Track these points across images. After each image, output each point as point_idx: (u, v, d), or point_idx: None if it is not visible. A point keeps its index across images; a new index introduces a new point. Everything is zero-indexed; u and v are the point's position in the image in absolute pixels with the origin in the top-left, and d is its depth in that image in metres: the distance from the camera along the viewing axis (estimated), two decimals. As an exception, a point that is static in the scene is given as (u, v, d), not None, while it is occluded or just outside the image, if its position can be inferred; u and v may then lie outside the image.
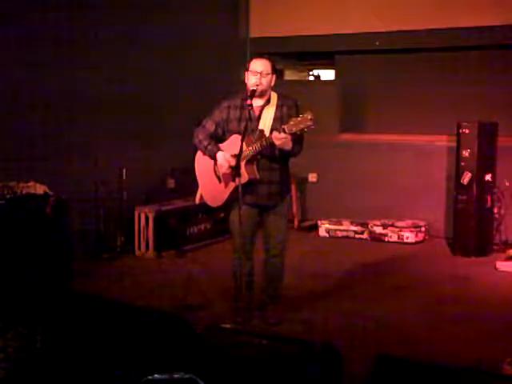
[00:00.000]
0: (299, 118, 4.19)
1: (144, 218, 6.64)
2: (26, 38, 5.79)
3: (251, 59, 4.56)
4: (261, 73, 4.40)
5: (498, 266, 6.21)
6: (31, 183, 5.31)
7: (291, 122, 4.20)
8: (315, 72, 9.48)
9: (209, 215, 7.17)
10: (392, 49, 7.71)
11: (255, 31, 8.40)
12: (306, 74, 9.51)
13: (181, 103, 7.33)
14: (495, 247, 6.84)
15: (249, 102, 4.41)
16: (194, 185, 6.68)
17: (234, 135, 4.44)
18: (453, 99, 7.33)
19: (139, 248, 6.67)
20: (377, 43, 7.67)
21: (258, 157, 4.42)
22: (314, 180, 8.29)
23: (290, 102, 4.54)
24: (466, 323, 4.74)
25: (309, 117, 4.14)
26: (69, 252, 5.44)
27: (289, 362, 2.38)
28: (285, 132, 4.20)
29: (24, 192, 5.22)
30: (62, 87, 6.03)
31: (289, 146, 4.30)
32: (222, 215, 7.23)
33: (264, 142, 4.31)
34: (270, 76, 4.44)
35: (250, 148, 4.34)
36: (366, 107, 8.05)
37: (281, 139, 4.22)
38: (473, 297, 5.40)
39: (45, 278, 4.98)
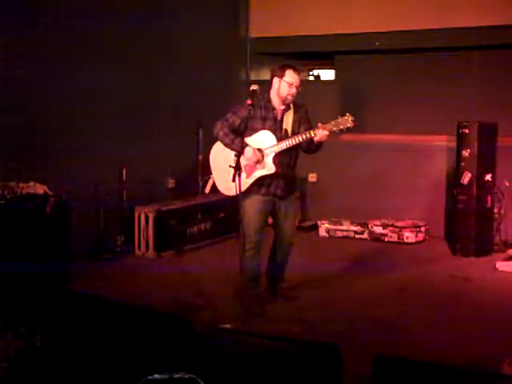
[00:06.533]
0: (339, 120, 4.71)
1: (144, 217, 6.63)
2: (29, 39, 5.79)
3: (286, 68, 4.88)
4: (296, 86, 4.84)
5: (497, 266, 6.20)
6: (31, 183, 5.31)
7: (332, 122, 4.71)
8: (315, 72, 9.47)
9: (209, 215, 7.17)
10: (392, 49, 7.70)
11: (255, 31, 8.40)
12: (306, 73, 9.50)
13: (181, 103, 7.32)
14: (495, 247, 6.83)
15: (250, 101, 4.54)
16: (194, 184, 6.70)
17: (262, 131, 4.81)
18: (453, 99, 7.32)
19: (139, 248, 6.67)
20: (377, 43, 7.67)
21: (281, 153, 4.80)
22: (314, 180, 8.29)
23: (302, 107, 5.01)
24: (465, 323, 4.74)
25: (349, 118, 4.69)
26: (69, 252, 5.44)
27: (289, 362, 2.38)
28: (325, 130, 4.69)
29: (24, 192, 5.21)
30: (61, 87, 6.03)
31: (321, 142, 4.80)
32: (222, 215, 7.24)
33: (303, 137, 4.74)
34: (299, 89, 4.88)
35: (285, 143, 4.78)
36: (366, 107, 8.03)
37: (322, 136, 4.70)
38: (473, 297, 5.40)
39: (44, 278, 4.98)
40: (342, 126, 4.70)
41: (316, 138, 4.71)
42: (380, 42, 7.64)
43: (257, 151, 4.77)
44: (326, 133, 4.69)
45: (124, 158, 6.55)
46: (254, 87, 4.66)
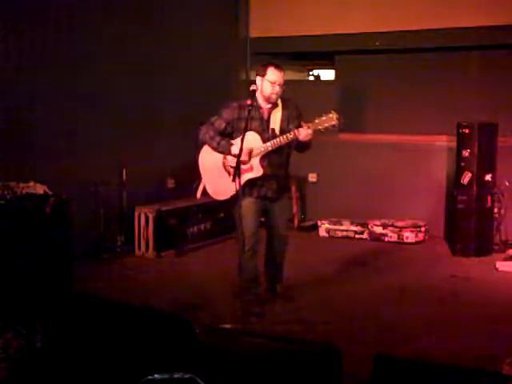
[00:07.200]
0: (324, 118, 4.59)
1: (144, 218, 6.64)
2: (30, 40, 5.79)
3: (268, 66, 4.78)
4: (279, 84, 4.73)
5: (497, 266, 6.20)
6: (31, 183, 5.30)
7: (316, 121, 4.60)
8: (315, 72, 9.47)
9: (209, 215, 7.17)
10: (392, 49, 7.70)
11: (255, 31, 8.40)
12: (305, 73, 9.50)
13: (181, 103, 7.32)
14: (495, 247, 6.83)
15: (249, 102, 4.53)
16: (194, 184, 6.64)
17: (247, 132, 4.62)
18: (453, 99, 7.32)
19: (139, 248, 6.67)
20: (377, 43, 7.67)
21: (270, 153, 4.71)
22: (314, 180, 8.29)
23: (292, 103, 4.91)
24: (465, 323, 4.74)
25: (334, 116, 4.56)
26: (69, 252, 5.43)
27: (289, 361, 2.38)
28: (309, 129, 4.58)
29: (24, 192, 5.21)
30: (61, 87, 6.03)
31: (308, 141, 4.70)
32: (222, 215, 7.24)
33: (286, 138, 4.64)
34: (283, 86, 4.76)
35: (269, 144, 4.68)
36: (366, 107, 8.04)
37: (307, 135, 4.60)
38: (473, 297, 5.40)
39: (45, 278, 4.98)
40: (326, 124, 4.59)
41: (300, 137, 4.61)
42: (380, 42, 7.64)
43: (245, 151, 4.60)
44: (310, 132, 4.58)
45: (124, 158, 6.54)
46: (253, 87, 4.64)
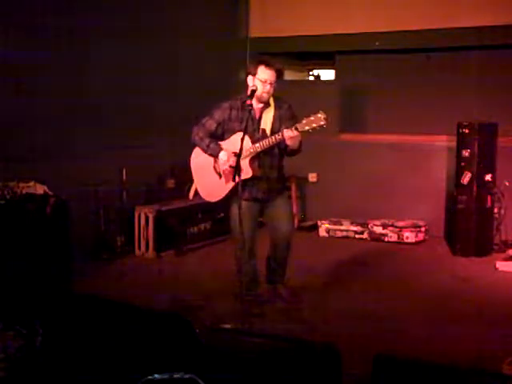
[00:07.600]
0: (312, 118, 4.41)
1: (144, 218, 6.63)
2: (28, 38, 5.79)
3: (258, 64, 4.68)
4: (270, 83, 4.63)
5: (497, 266, 6.21)
6: (31, 183, 5.30)
7: (304, 121, 4.43)
8: (315, 72, 9.48)
9: (209, 215, 7.17)
10: (392, 49, 7.71)
11: (255, 31, 8.40)
12: (305, 73, 9.50)
13: (180, 103, 7.32)
14: (495, 247, 6.83)
15: (249, 102, 4.54)
16: (186, 186, 6.66)
17: (237, 133, 4.57)
18: (453, 99, 7.32)
19: (139, 248, 6.67)
20: (377, 43, 7.67)
21: (261, 154, 4.64)
22: (314, 180, 8.28)
23: (285, 103, 4.81)
24: (465, 323, 4.74)
25: (322, 116, 4.39)
26: (68, 252, 5.43)
27: (289, 361, 2.39)
28: (297, 130, 4.43)
29: (24, 192, 5.21)
30: (62, 87, 6.03)
31: (296, 144, 4.55)
32: (222, 215, 7.24)
33: (274, 139, 4.54)
34: (274, 84, 4.67)
35: (258, 145, 4.58)
36: (365, 107, 8.04)
37: (293, 137, 4.44)
38: (473, 297, 5.40)
39: (45, 278, 4.98)
40: (314, 125, 4.39)
41: (286, 139, 4.47)
42: (380, 42, 7.65)
43: (231, 155, 4.59)
44: (296, 133, 4.42)
45: (124, 158, 6.55)
46: (253, 87, 4.63)
